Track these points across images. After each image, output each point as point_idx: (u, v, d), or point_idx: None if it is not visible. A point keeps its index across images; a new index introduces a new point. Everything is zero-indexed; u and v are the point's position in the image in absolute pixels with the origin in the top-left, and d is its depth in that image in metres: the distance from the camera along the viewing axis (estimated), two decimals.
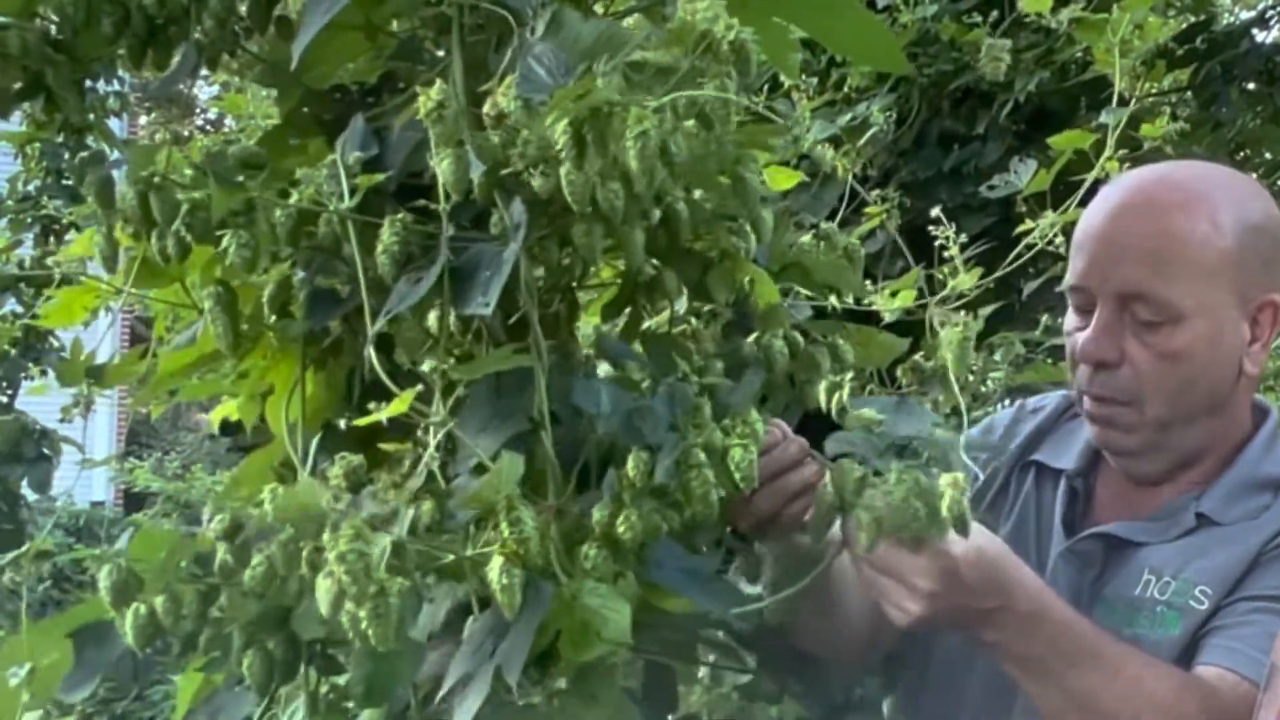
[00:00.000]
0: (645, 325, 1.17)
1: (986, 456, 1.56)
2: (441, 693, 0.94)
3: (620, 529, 0.94)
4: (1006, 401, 2.47)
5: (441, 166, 0.93)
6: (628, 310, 1.16)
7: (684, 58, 0.92)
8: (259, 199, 0.99)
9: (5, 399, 4.93)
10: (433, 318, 1.02)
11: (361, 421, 0.92)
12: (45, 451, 4.84)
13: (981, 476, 1.54)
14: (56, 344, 4.78)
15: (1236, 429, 1.47)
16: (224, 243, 0.99)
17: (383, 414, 0.89)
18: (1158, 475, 1.47)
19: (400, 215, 0.97)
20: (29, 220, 4.75)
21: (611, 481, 0.97)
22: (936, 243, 2.66)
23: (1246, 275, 1.39)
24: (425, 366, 1.02)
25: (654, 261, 1.07)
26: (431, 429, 0.92)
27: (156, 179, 1.00)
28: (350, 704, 1.01)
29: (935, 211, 2.68)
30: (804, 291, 1.30)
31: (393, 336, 1.05)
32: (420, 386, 0.93)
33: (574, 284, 1.09)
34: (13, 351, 4.74)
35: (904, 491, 1.06)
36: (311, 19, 0.98)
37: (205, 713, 1.05)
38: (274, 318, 1.06)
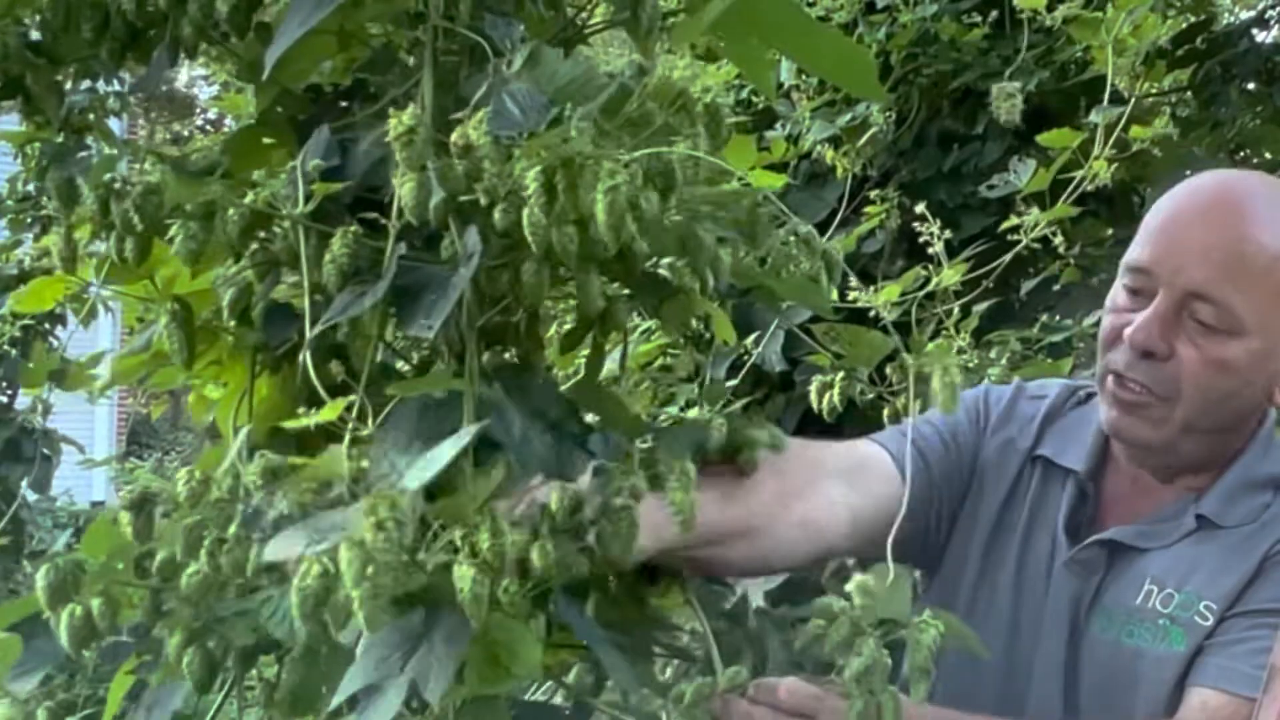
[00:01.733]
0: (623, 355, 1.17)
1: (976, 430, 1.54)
2: (334, 703, 0.92)
3: (535, 556, 0.93)
4: None
5: (403, 190, 0.93)
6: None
7: (658, 111, 0.92)
8: (217, 195, 0.99)
9: (5, 399, 4.93)
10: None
11: (291, 424, 0.92)
12: (45, 451, 4.85)
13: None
14: (57, 344, 4.78)
15: (1241, 440, 1.46)
16: (174, 236, 0.99)
17: (311, 419, 0.89)
18: (1158, 473, 1.46)
19: (352, 227, 0.97)
20: (29, 220, 4.75)
21: (533, 513, 0.97)
22: (921, 239, 2.67)
23: None
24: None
25: (608, 291, 1.07)
26: (346, 439, 0.92)
27: (117, 183, 1.00)
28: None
29: (920, 208, 2.68)
30: None
31: (346, 347, 1.06)
32: (354, 396, 0.93)
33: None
34: (13, 352, 4.74)
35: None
36: (288, 28, 0.98)
37: (141, 707, 1.04)
38: (232, 323, 1.07)
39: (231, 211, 0.98)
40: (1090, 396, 1.55)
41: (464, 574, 0.87)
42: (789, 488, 1.28)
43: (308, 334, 0.96)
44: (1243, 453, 1.45)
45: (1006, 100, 2.76)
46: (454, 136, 0.92)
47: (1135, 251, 1.41)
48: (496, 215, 0.93)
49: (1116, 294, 1.43)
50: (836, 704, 1.18)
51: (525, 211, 0.90)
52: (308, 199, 0.97)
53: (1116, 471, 1.49)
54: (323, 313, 1.04)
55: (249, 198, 0.98)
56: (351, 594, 0.82)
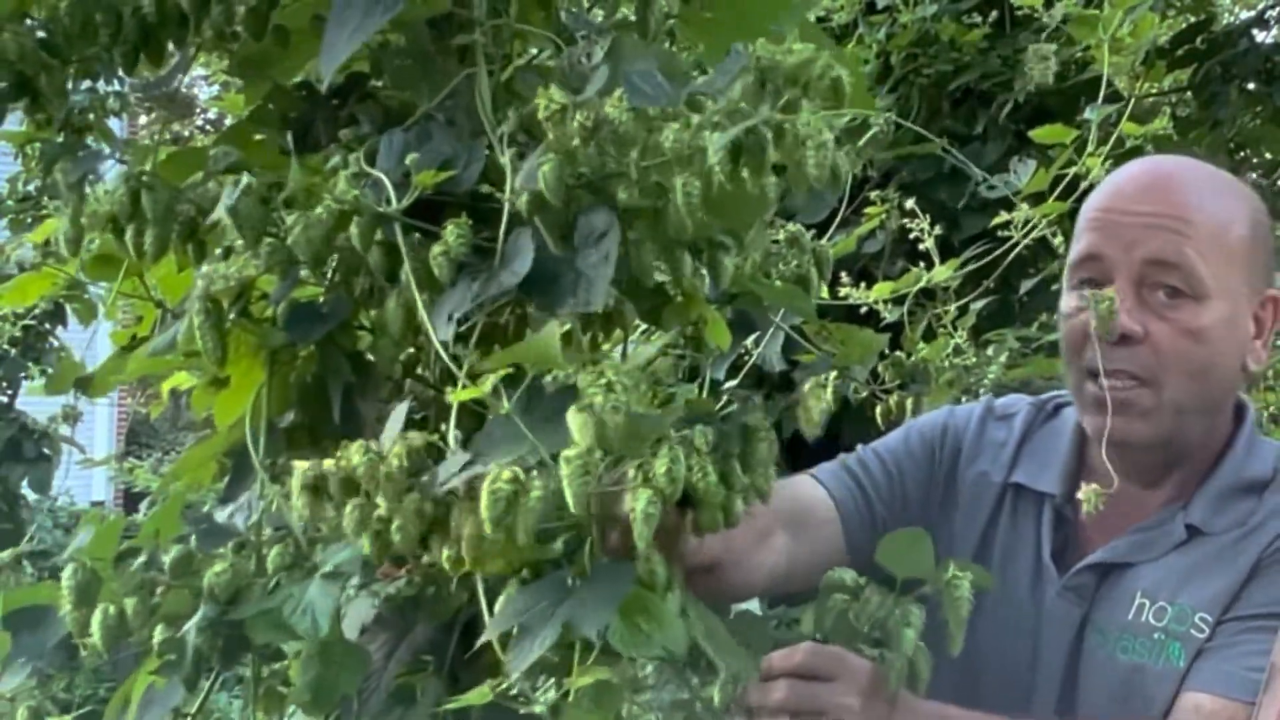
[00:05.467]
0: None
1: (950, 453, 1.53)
2: (480, 641, 0.92)
3: (698, 482, 0.94)
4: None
5: (544, 169, 0.93)
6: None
7: (767, 91, 0.93)
8: (313, 188, 0.99)
9: (5, 399, 4.93)
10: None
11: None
12: (45, 451, 4.85)
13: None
14: (56, 344, 4.78)
15: (1223, 429, 1.44)
16: (291, 222, 0.98)
17: (460, 396, 0.88)
18: (1148, 475, 1.43)
19: (462, 218, 0.97)
20: (29, 220, 4.75)
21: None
22: (911, 235, 2.66)
23: (1254, 266, 1.38)
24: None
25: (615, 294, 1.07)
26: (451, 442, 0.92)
27: (147, 178, 1.01)
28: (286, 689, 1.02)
29: (910, 204, 2.68)
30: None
31: (364, 353, 1.06)
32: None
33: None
34: (13, 351, 4.74)
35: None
36: (338, 36, 0.98)
37: (138, 704, 1.04)
38: (235, 318, 1.07)
39: (320, 210, 0.98)
40: (1059, 409, 1.53)
41: (640, 494, 0.86)
42: (754, 531, 1.29)
43: (433, 329, 0.96)
44: (1226, 455, 1.42)
45: (1041, 61, 2.74)
46: (580, 118, 0.92)
47: (1080, 245, 1.39)
48: (622, 194, 0.94)
49: (1068, 299, 1.40)
50: (857, 664, 1.20)
51: (681, 183, 0.90)
52: (400, 196, 0.97)
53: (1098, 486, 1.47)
54: (341, 309, 1.04)
55: (326, 200, 0.98)
56: (563, 471, 0.83)
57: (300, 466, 0.92)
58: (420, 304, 0.95)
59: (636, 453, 0.88)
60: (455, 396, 0.91)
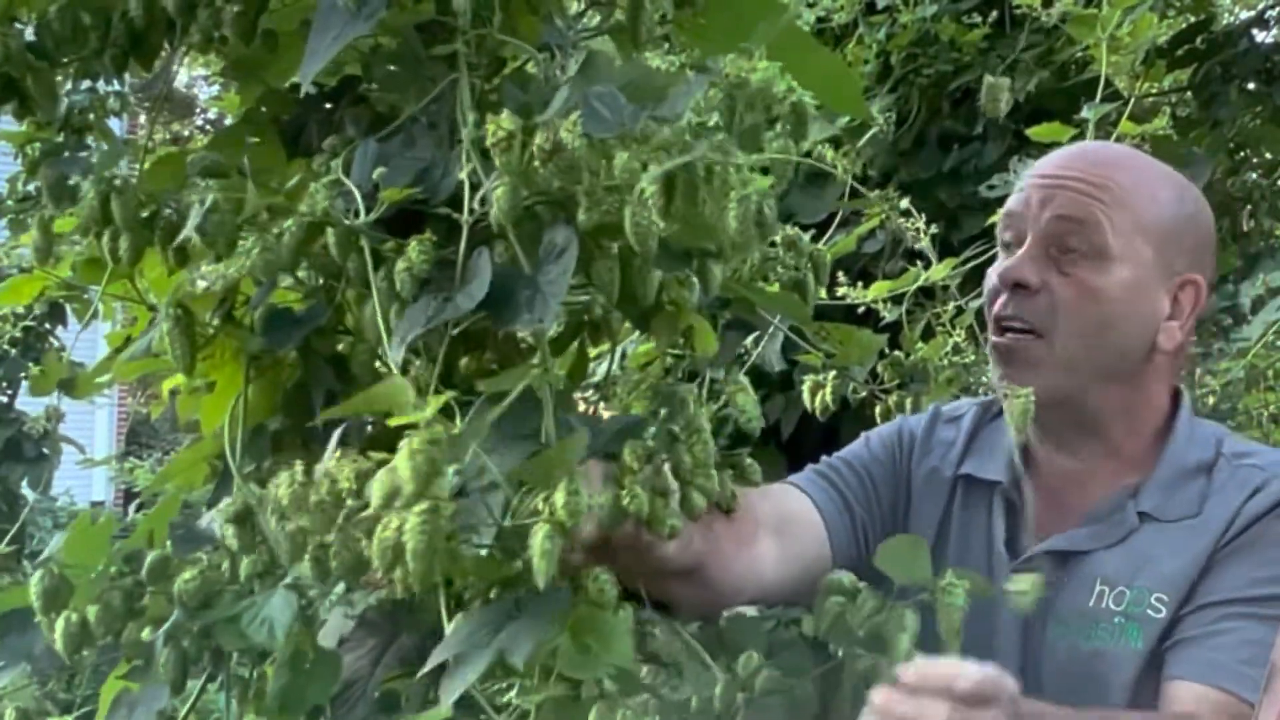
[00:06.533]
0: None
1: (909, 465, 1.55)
2: (425, 669, 0.92)
3: (626, 501, 0.96)
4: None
5: (497, 192, 0.93)
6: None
7: (732, 114, 0.93)
8: (277, 206, 0.99)
9: (5, 399, 4.93)
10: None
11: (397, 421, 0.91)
12: (45, 451, 4.85)
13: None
14: (57, 344, 4.77)
15: (1152, 412, 1.45)
16: (248, 245, 0.98)
17: (421, 415, 0.88)
18: (1066, 441, 1.43)
19: (427, 235, 0.97)
20: (29, 220, 4.74)
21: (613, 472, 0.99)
22: (907, 233, 2.66)
23: (1174, 249, 1.40)
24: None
25: (601, 301, 1.07)
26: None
27: (118, 181, 1.00)
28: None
29: (904, 204, 2.67)
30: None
31: (347, 357, 1.06)
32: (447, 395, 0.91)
33: None
34: (13, 351, 4.74)
35: None
36: (320, 43, 0.98)
37: (124, 705, 1.04)
38: (218, 322, 1.07)
39: (290, 222, 0.98)
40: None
41: (538, 530, 0.87)
42: (740, 534, 1.29)
43: (390, 348, 0.96)
44: (1169, 440, 1.43)
45: (992, 101, 2.77)
46: (539, 140, 0.93)
47: (1004, 208, 1.46)
48: (581, 215, 0.94)
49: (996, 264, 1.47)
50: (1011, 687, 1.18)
51: (630, 211, 0.90)
52: (370, 209, 0.97)
53: (1040, 473, 1.47)
54: (318, 314, 1.04)
55: (300, 211, 0.97)
56: (408, 524, 0.83)
57: (228, 500, 0.92)
58: (381, 318, 0.95)
59: (545, 484, 0.89)
60: (397, 420, 0.90)
